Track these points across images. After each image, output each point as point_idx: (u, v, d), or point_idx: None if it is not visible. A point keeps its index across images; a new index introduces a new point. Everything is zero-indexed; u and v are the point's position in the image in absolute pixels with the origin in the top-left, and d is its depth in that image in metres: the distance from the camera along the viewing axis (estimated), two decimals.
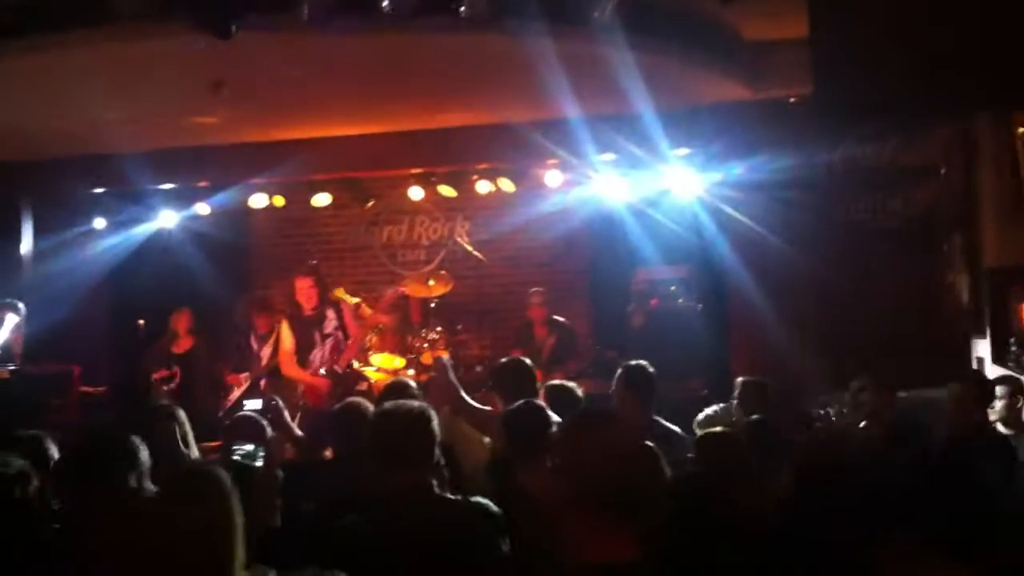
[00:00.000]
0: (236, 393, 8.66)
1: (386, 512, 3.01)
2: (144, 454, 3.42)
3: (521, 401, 4.27)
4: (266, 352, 8.66)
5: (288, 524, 3.56)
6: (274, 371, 8.69)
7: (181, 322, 9.01)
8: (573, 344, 9.02)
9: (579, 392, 5.36)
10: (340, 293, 8.42)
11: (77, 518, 3.20)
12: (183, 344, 9.00)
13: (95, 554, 2.84)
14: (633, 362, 5.70)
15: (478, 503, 3.17)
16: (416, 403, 3.33)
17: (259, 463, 4.25)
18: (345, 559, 2.14)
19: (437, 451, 3.19)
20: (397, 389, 5.17)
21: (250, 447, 4.40)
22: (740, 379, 5.96)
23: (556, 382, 5.49)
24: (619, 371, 5.63)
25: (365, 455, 3.50)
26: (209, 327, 9.25)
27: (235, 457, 4.09)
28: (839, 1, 5.65)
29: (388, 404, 3.43)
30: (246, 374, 8.71)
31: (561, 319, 9.13)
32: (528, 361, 5.55)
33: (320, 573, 2.00)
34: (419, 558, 2.88)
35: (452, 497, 3.17)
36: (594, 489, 2.46)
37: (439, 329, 9.35)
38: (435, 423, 3.21)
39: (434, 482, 3.10)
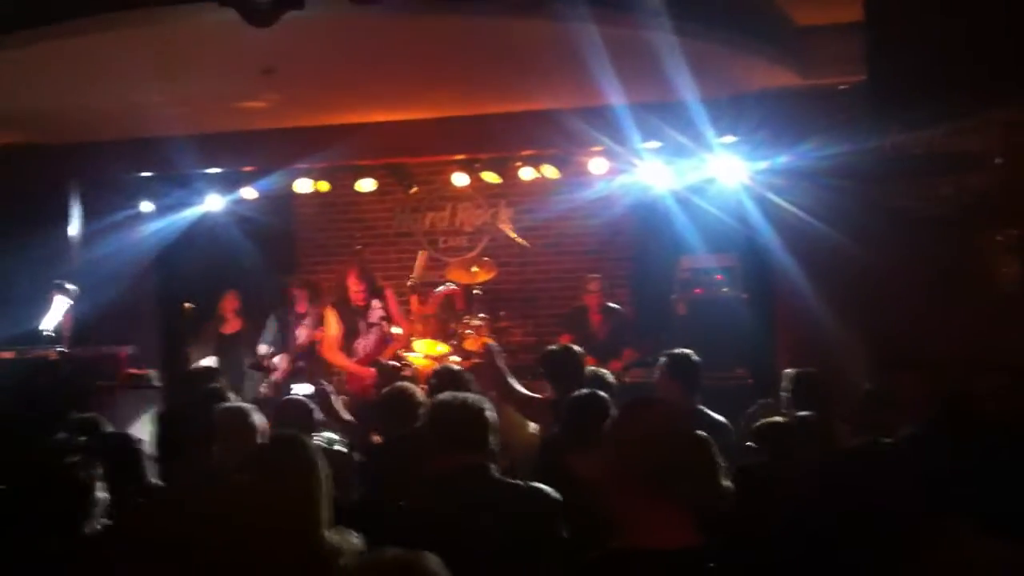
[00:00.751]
0: (276, 376, 8.72)
1: (444, 492, 3.03)
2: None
3: (585, 391, 4.30)
4: (302, 333, 8.71)
5: (345, 506, 3.59)
6: (310, 353, 8.74)
7: (228, 305, 9.09)
8: (629, 332, 8.97)
9: (611, 378, 5.36)
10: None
11: (168, 493, 3.32)
12: (230, 326, 9.08)
13: (183, 528, 2.93)
14: (677, 350, 5.67)
15: (537, 487, 3.19)
16: (473, 393, 3.38)
17: (337, 447, 4.35)
18: (406, 538, 2.14)
19: (494, 439, 3.23)
20: (448, 375, 5.20)
21: (330, 434, 4.53)
22: (789, 371, 5.71)
23: (590, 368, 5.49)
24: (662, 359, 5.60)
25: (414, 439, 3.52)
26: (254, 311, 9.30)
27: (316, 442, 4.19)
28: None
29: (447, 394, 3.47)
30: (283, 355, 8.77)
31: (617, 306, 9.09)
32: (578, 348, 5.53)
33: (405, 552, 2.00)
34: (478, 538, 2.89)
35: (511, 480, 3.19)
36: (648, 475, 2.45)
37: (482, 316, 9.36)
38: (492, 411, 3.25)
39: (492, 465, 3.13)
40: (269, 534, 2.60)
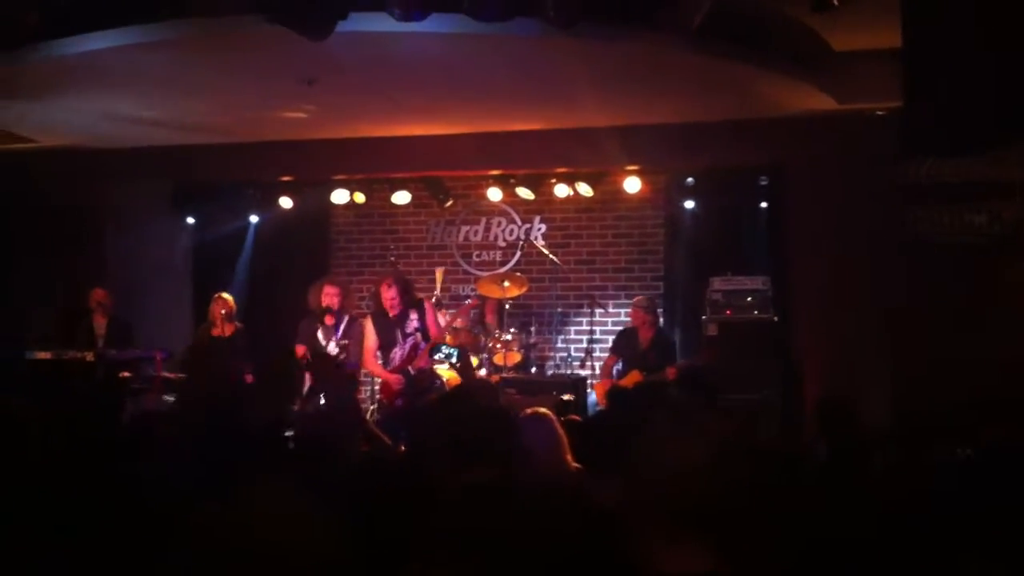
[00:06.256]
0: (305, 386, 8.72)
1: (464, 508, 3.04)
2: None
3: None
4: (331, 346, 8.67)
5: None
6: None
7: (216, 308, 8.88)
8: (671, 351, 8.99)
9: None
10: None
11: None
12: (219, 330, 8.87)
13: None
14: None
15: (558, 509, 3.17)
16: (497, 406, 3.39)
17: None
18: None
19: (515, 452, 3.21)
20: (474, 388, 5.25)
21: None
22: (820, 400, 5.49)
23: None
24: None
25: (438, 451, 3.54)
26: (289, 320, 9.30)
27: None
28: (934, 11, 5.57)
29: (469, 406, 3.49)
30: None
31: (666, 333, 9.16)
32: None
33: None
34: (497, 557, 2.89)
35: (531, 499, 3.17)
36: (670, 500, 2.42)
37: (512, 330, 9.40)
38: (514, 424, 3.24)
39: (512, 482, 3.12)
40: None
